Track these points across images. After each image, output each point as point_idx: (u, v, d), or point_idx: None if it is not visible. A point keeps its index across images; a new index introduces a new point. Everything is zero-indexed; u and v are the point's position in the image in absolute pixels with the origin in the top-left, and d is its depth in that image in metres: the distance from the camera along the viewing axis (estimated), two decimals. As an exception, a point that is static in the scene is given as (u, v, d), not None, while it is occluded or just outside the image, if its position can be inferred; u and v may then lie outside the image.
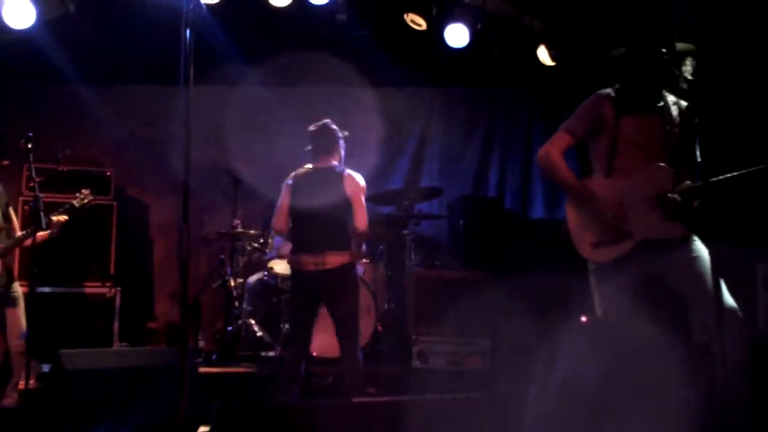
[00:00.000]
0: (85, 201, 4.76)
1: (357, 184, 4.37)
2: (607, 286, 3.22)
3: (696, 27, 3.20)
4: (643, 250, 3.12)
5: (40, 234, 4.56)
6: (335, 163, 4.45)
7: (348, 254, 4.27)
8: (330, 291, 4.26)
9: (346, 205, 4.32)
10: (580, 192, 3.26)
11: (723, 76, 4.18)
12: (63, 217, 4.68)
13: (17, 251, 4.84)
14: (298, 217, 4.35)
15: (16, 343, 4.46)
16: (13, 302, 4.57)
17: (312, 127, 4.47)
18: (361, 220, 4.33)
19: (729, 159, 3.05)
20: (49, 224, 4.56)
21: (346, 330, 4.30)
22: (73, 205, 4.71)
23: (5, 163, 4.63)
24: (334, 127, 4.48)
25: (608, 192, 3.21)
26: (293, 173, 4.46)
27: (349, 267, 4.30)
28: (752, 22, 4.55)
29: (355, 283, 4.37)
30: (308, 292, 4.29)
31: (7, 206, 4.74)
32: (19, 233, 4.68)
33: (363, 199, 4.39)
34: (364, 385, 4.54)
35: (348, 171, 4.40)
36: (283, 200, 4.41)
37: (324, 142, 4.44)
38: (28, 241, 4.59)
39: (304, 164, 4.51)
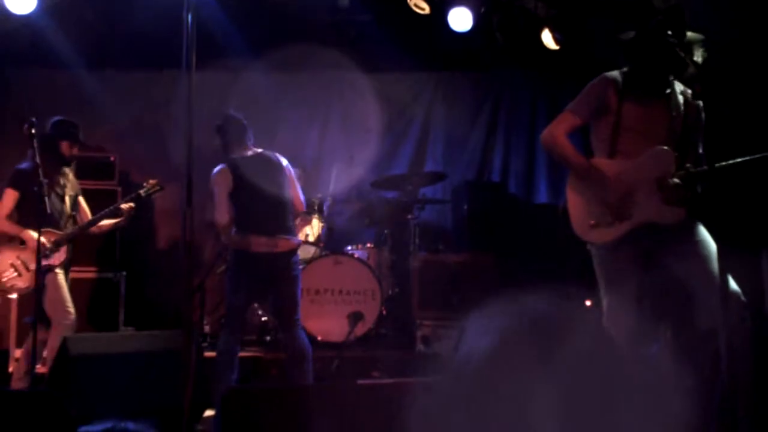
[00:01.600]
0: (152, 191, 4.78)
1: (290, 168, 4.52)
2: (607, 268, 3.22)
3: (706, 18, 3.17)
4: (641, 233, 3.11)
5: (108, 222, 4.76)
6: (250, 144, 4.46)
7: (295, 241, 4.38)
8: (278, 274, 4.30)
9: (289, 190, 4.43)
10: (586, 170, 3.23)
11: (730, 63, 4.16)
12: (131, 204, 4.73)
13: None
14: (245, 200, 4.29)
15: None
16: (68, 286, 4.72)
17: (231, 115, 4.51)
18: (299, 201, 4.51)
19: (734, 146, 3.03)
20: (119, 212, 4.69)
21: (286, 317, 4.35)
22: (139, 194, 4.75)
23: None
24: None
25: (610, 173, 3.19)
26: (227, 163, 4.34)
27: (295, 251, 4.40)
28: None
29: (297, 270, 4.43)
30: (257, 274, 4.28)
31: (77, 196, 4.84)
32: (86, 221, 4.79)
33: (296, 180, 4.55)
34: (327, 368, 4.63)
35: (279, 156, 4.51)
36: (222, 189, 4.28)
37: (238, 127, 4.46)
38: (95, 229, 4.78)
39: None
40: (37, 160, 4.23)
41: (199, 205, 7.00)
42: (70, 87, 6.63)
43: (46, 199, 4.50)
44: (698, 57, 3.02)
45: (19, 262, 4.53)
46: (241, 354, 5.31)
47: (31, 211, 4.16)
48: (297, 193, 4.51)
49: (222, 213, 4.29)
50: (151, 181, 4.81)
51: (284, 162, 4.52)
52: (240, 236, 4.30)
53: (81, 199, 4.91)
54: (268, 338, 5.66)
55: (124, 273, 5.96)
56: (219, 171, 4.34)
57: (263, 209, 4.27)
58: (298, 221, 5.01)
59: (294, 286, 4.37)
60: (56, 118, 4.72)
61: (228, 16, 6.12)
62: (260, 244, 4.23)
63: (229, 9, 6.04)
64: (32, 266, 4.42)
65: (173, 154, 6.47)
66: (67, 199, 4.72)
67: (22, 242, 4.55)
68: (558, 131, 3.29)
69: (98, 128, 6.73)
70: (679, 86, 3.29)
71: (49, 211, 4.48)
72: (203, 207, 6.73)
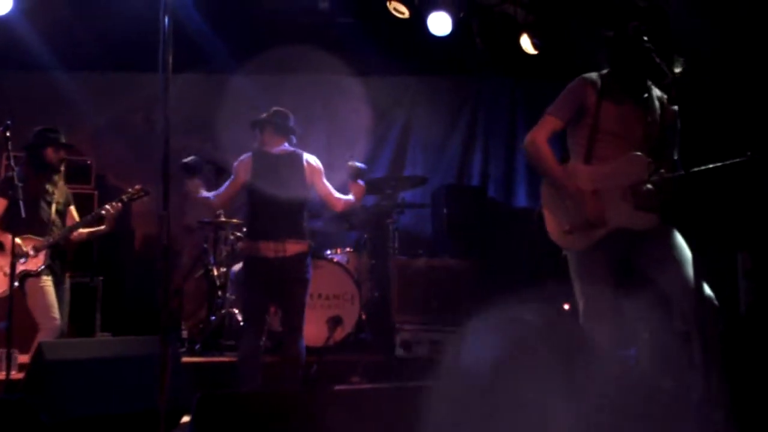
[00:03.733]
0: (136, 196, 4.77)
1: (315, 168, 4.44)
2: (583, 272, 3.22)
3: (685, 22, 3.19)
4: (615, 238, 3.11)
5: (86, 230, 4.77)
6: (287, 144, 4.46)
7: (306, 244, 4.32)
8: (286, 278, 4.27)
9: (306, 191, 4.39)
10: (562, 183, 3.23)
11: (707, 69, 4.20)
12: (117, 207, 4.69)
13: None
14: (257, 202, 4.32)
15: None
16: (64, 292, 4.73)
17: (274, 110, 4.47)
18: (334, 199, 4.45)
19: (709, 151, 3.05)
20: (102, 219, 4.66)
21: (292, 320, 4.34)
22: (122, 199, 4.72)
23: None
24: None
25: (584, 179, 3.20)
26: (252, 153, 4.40)
27: (305, 255, 4.33)
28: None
29: (308, 273, 4.37)
30: (265, 278, 4.27)
31: (67, 205, 4.83)
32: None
33: (325, 180, 4.46)
34: (305, 373, 4.58)
35: (305, 154, 4.44)
36: (237, 178, 4.36)
37: (284, 123, 4.45)
38: (76, 236, 4.76)
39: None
40: (12, 163, 4.20)
41: (177, 208, 6.96)
42: (47, 89, 6.56)
43: (43, 205, 4.59)
44: (680, 59, 3.04)
45: None
46: (220, 359, 5.32)
47: (17, 217, 4.11)
48: (328, 191, 4.45)
49: (220, 194, 4.40)
50: (136, 187, 4.79)
51: (311, 161, 4.44)
52: (249, 242, 4.31)
53: (72, 208, 4.89)
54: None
55: (101, 278, 5.89)
56: (242, 159, 4.40)
57: (273, 212, 4.24)
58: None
59: (303, 289, 4.33)
60: (37, 127, 4.73)
61: (207, 19, 6.09)
62: (268, 249, 4.21)
63: (208, 11, 6.00)
64: (8, 270, 4.39)
65: (151, 157, 6.42)
66: (54, 206, 4.70)
67: (2, 247, 4.53)
68: (540, 137, 3.28)
69: (75, 131, 6.66)
70: (656, 91, 3.32)
71: (44, 218, 4.58)
72: (181, 211, 6.72)
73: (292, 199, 4.31)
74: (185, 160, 4.40)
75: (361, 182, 4.55)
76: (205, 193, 4.45)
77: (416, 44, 6.45)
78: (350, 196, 4.52)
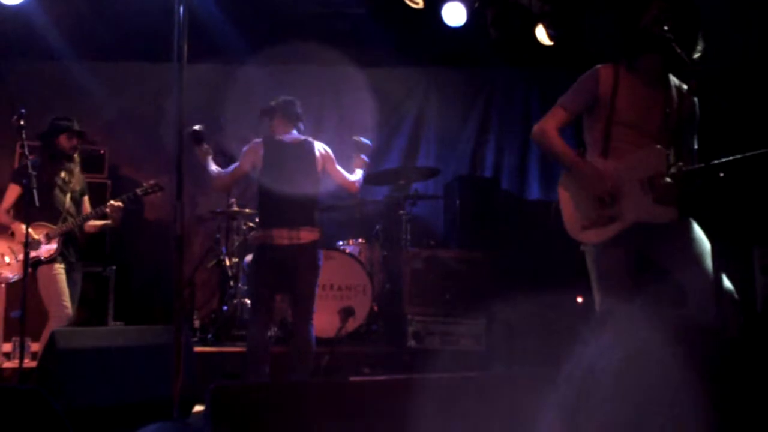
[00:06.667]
0: (150, 191, 4.82)
1: (327, 156, 4.47)
2: (600, 266, 3.19)
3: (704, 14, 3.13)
4: (634, 232, 3.08)
5: (97, 223, 4.83)
6: (296, 131, 4.47)
7: (318, 231, 4.34)
8: (299, 265, 4.27)
9: (318, 180, 4.42)
10: (575, 162, 3.19)
11: (727, 60, 4.14)
12: (119, 204, 4.72)
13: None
14: (270, 191, 4.31)
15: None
16: (76, 279, 4.78)
17: (283, 99, 4.50)
18: (349, 183, 4.49)
19: (728, 144, 3.01)
20: (107, 212, 4.71)
21: (303, 307, 4.34)
22: (136, 193, 4.75)
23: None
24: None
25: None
26: (263, 139, 4.41)
27: (317, 244, 4.35)
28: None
29: (320, 260, 4.39)
30: (278, 266, 4.27)
31: (82, 194, 4.92)
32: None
33: (338, 166, 4.50)
34: (317, 364, 4.59)
35: (316, 143, 4.46)
36: (244, 163, 4.37)
37: (293, 110, 4.47)
38: (89, 227, 4.86)
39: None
40: (26, 151, 4.22)
41: (190, 198, 6.96)
42: (61, 79, 6.58)
43: (57, 193, 4.66)
44: (699, 47, 2.99)
45: (9, 251, 4.57)
46: (232, 349, 5.33)
47: (30, 206, 4.16)
48: (342, 176, 4.48)
49: (224, 176, 4.40)
50: (150, 182, 4.82)
51: (322, 150, 4.46)
52: (263, 231, 4.31)
53: (86, 198, 4.96)
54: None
55: (114, 267, 5.91)
56: (251, 145, 4.41)
57: (287, 200, 4.25)
58: None
59: (315, 276, 4.34)
60: (51, 117, 4.81)
61: (221, 10, 6.08)
62: (282, 236, 4.23)
63: (222, 2, 5.99)
64: (21, 257, 4.43)
65: (164, 147, 6.44)
66: (69, 194, 4.75)
67: (14, 233, 4.59)
68: (548, 126, 3.24)
69: (88, 121, 6.67)
70: (674, 81, 3.26)
71: (59, 206, 4.64)
72: (194, 201, 6.72)
73: (305, 188, 4.32)
74: (192, 128, 4.41)
75: (365, 157, 4.64)
76: (213, 166, 4.45)
77: (430, 35, 6.41)
78: (359, 174, 4.57)
